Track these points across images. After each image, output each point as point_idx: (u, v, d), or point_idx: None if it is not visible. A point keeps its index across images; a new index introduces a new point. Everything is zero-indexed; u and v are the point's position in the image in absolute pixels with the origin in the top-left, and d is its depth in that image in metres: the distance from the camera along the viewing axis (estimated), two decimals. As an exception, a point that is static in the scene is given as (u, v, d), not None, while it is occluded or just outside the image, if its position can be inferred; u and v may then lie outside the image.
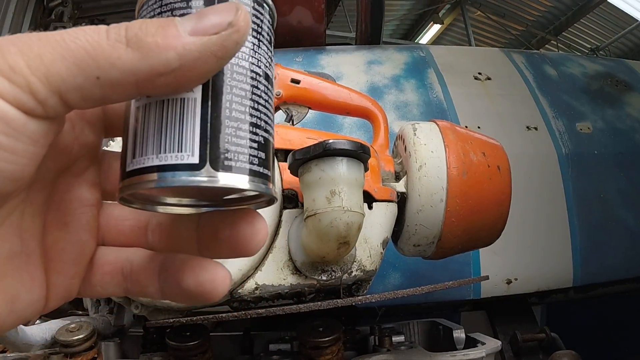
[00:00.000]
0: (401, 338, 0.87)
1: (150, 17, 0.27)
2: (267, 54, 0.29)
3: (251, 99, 0.27)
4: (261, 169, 0.27)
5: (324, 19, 1.76)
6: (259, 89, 0.28)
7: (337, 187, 0.61)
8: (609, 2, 6.95)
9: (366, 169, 0.66)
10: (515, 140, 1.48)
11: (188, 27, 0.24)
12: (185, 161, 0.25)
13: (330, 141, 0.60)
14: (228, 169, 0.25)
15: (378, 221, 0.74)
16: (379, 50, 1.67)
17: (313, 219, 0.62)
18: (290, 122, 0.93)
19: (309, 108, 0.95)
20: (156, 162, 0.25)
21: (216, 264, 0.29)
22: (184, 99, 0.25)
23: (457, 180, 0.78)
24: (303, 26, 1.73)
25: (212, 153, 0.25)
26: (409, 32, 8.87)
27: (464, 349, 0.86)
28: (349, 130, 1.38)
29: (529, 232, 1.40)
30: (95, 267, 0.30)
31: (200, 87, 0.26)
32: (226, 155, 0.25)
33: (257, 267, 0.69)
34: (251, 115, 0.27)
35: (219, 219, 0.29)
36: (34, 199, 0.28)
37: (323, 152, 0.61)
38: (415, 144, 0.80)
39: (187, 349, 0.75)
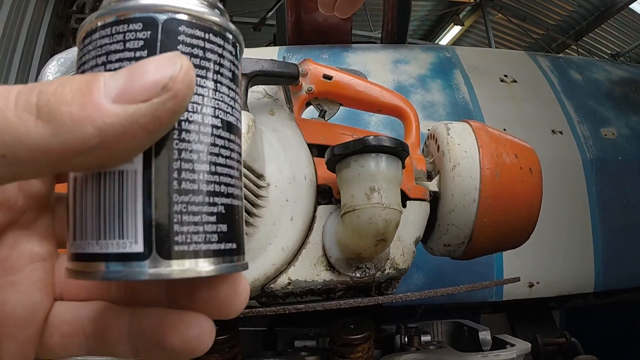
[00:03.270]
0: (428, 338, 0.87)
1: (84, 63, 0.23)
2: (228, 96, 0.24)
3: (208, 162, 0.22)
4: (222, 245, 0.23)
5: (351, 16, 1.76)
6: (216, 145, 0.23)
7: (377, 183, 0.61)
8: (630, 8, 6.89)
9: (403, 167, 0.66)
10: (540, 144, 1.46)
11: (113, 91, 0.19)
12: (127, 250, 0.21)
13: (371, 137, 0.60)
14: (180, 255, 0.21)
15: (411, 220, 0.74)
16: (405, 49, 1.66)
17: (351, 215, 0.62)
18: (322, 118, 0.93)
19: (340, 104, 0.94)
20: (97, 250, 0.21)
21: (200, 316, 0.25)
22: (122, 171, 0.21)
23: (490, 181, 0.78)
24: (329, 23, 1.72)
25: (159, 238, 0.21)
26: (429, 32, 8.84)
27: (490, 350, 0.85)
28: (375, 128, 1.38)
29: (551, 236, 1.39)
30: (52, 328, 0.26)
31: (141, 156, 0.21)
32: (176, 239, 0.21)
33: (290, 262, 0.69)
34: (208, 182, 0.22)
35: (194, 279, 0.25)
36: None
37: (363, 148, 0.60)
38: (449, 144, 0.80)
39: (217, 343, 0.75)
